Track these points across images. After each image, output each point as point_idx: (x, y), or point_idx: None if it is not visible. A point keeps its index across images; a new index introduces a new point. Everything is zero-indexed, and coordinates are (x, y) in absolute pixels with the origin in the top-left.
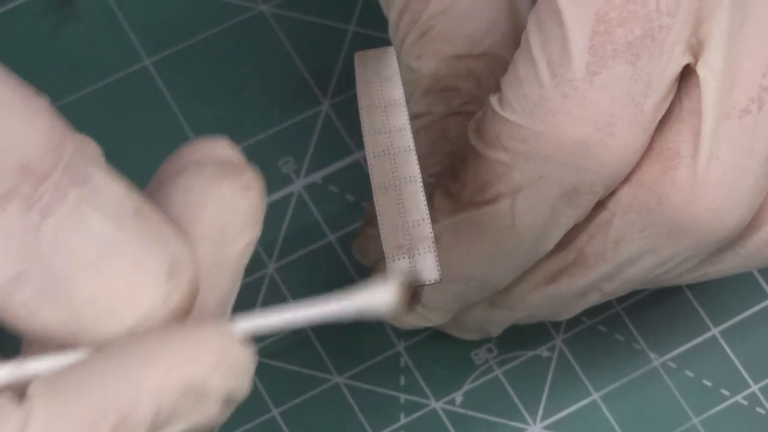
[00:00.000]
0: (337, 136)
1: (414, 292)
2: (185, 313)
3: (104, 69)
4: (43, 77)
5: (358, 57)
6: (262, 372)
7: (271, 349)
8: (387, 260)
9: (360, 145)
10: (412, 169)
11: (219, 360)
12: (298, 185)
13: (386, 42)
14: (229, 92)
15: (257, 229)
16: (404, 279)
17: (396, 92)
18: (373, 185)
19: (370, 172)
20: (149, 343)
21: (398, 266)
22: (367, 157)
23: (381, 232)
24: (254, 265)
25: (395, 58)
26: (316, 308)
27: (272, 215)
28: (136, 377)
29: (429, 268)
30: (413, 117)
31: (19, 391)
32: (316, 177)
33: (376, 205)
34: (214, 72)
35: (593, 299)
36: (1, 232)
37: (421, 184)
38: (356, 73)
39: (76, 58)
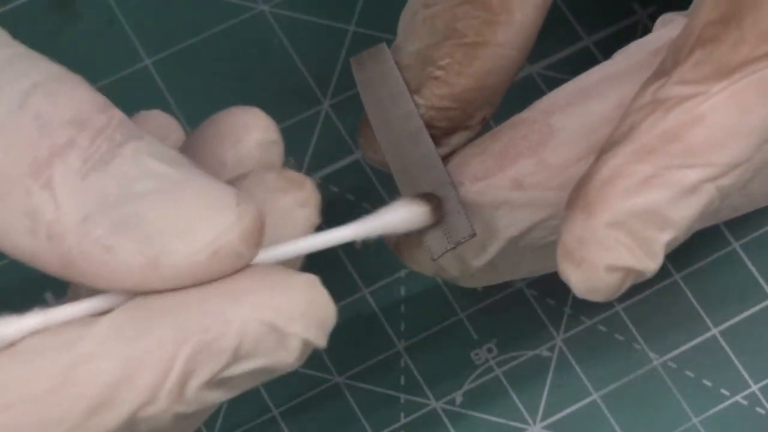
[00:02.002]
0: (337, 136)
1: (438, 212)
2: (256, 243)
3: (104, 69)
4: None
5: (354, 61)
6: None
7: None
8: (420, 234)
9: None
10: (426, 145)
11: (306, 308)
12: None
13: (386, 41)
14: (229, 92)
15: None
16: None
17: (398, 83)
18: (392, 169)
19: (387, 160)
20: (242, 280)
21: (432, 236)
22: (382, 147)
23: None
24: None
25: (389, 53)
26: (350, 229)
27: None
28: (226, 309)
29: (461, 227)
30: (424, 6)
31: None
32: (316, 177)
33: (398, 184)
34: (214, 72)
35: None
36: (67, 178)
37: (437, 155)
38: (355, 76)
39: (76, 58)
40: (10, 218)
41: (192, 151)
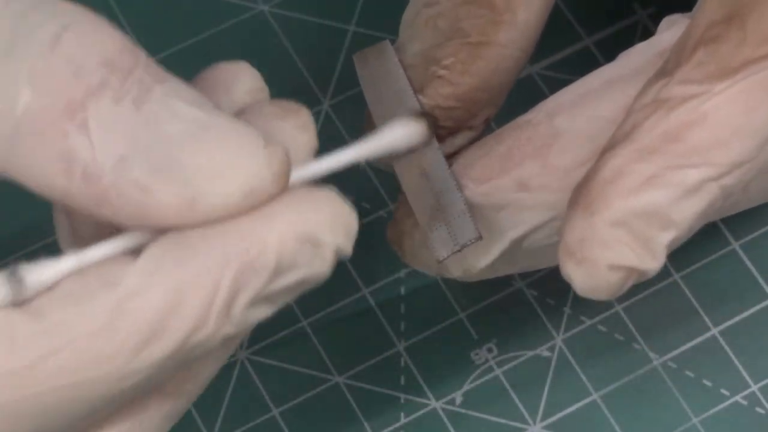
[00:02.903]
0: (337, 136)
1: (433, 127)
2: (285, 182)
3: None
4: None
5: (357, 57)
6: (262, 372)
7: (271, 349)
8: (426, 234)
9: None
10: (431, 144)
11: (334, 218)
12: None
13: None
14: None
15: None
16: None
17: (401, 81)
18: (395, 169)
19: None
20: (272, 204)
21: (437, 238)
22: None
23: (414, 209)
24: None
25: (392, 50)
26: (353, 150)
27: None
28: (262, 228)
29: (466, 229)
30: (426, 5)
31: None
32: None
33: (403, 187)
34: None
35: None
36: (101, 119)
37: (442, 155)
38: (358, 72)
39: None
40: (46, 159)
41: None
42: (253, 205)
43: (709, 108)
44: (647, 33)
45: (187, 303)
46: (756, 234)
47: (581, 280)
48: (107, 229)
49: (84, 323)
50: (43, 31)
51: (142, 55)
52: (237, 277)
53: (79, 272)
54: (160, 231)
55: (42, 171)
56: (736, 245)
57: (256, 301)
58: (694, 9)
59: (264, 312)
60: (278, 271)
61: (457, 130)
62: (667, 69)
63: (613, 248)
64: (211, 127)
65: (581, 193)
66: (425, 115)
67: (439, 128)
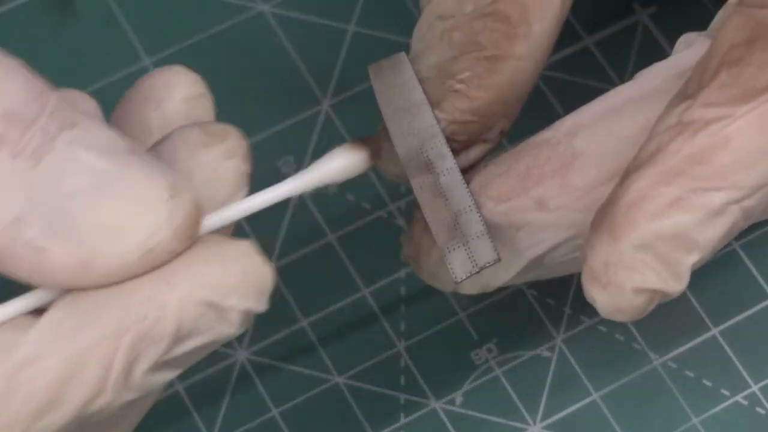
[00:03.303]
0: (337, 136)
1: (376, 147)
2: (190, 237)
3: (104, 69)
4: (43, 77)
5: (372, 69)
6: (261, 372)
7: (271, 349)
8: (443, 254)
9: None
10: (447, 161)
11: (243, 278)
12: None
13: (386, 41)
14: (229, 92)
15: (245, 193)
16: (364, 144)
17: (417, 94)
18: (413, 186)
19: (407, 174)
20: (175, 264)
21: (455, 258)
22: (402, 161)
23: (431, 228)
24: None
25: (408, 62)
26: (288, 184)
27: (272, 215)
28: (160, 293)
29: (485, 251)
30: (440, 19)
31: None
32: None
33: (420, 205)
34: (214, 72)
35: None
36: None
37: (460, 173)
38: (374, 85)
39: (75, 58)
40: None
41: (119, 119)
42: (154, 264)
43: (732, 131)
44: (647, 33)
45: (84, 372)
46: (756, 234)
47: (606, 304)
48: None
49: None
50: None
51: (51, 99)
52: (134, 346)
53: None
54: (64, 290)
55: None
56: (736, 245)
57: (157, 366)
58: (711, 26)
59: (168, 376)
60: (178, 338)
61: (472, 143)
62: (689, 91)
63: (639, 272)
64: (116, 178)
65: (605, 216)
66: (367, 142)
67: (454, 142)
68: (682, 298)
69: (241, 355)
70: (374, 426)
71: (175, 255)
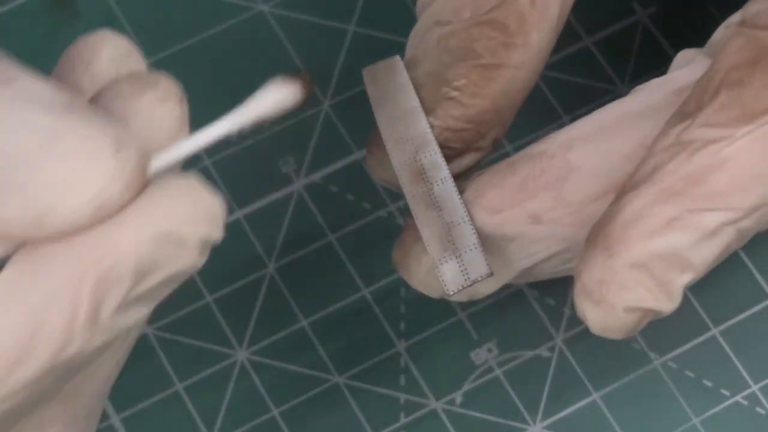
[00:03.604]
0: (337, 136)
1: (307, 82)
2: (139, 188)
3: None
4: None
5: (367, 73)
6: (261, 372)
7: (271, 349)
8: (434, 265)
9: (360, 145)
10: (441, 170)
11: (192, 209)
12: (298, 185)
13: (386, 41)
14: (229, 92)
15: (185, 136)
16: (299, 80)
17: (411, 99)
18: (405, 194)
19: (400, 181)
20: (124, 208)
21: (447, 270)
22: (395, 168)
23: (423, 238)
24: (254, 265)
25: (403, 66)
26: (226, 122)
27: (272, 215)
28: (114, 235)
29: (478, 265)
30: (437, 24)
31: None
32: (316, 177)
33: (413, 213)
34: (214, 72)
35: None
36: None
37: (454, 184)
38: (368, 88)
39: None
40: None
41: None
42: (105, 216)
43: (730, 152)
44: (647, 33)
45: (48, 322)
46: (756, 234)
47: (597, 321)
48: None
49: None
50: None
51: None
52: (96, 289)
53: None
54: (19, 244)
55: None
56: None
57: (126, 305)
58: (710, 42)
59: (139, 313)
60: (140, 273)
61: (465, 151)
62: (688, 110)
63: (632, 290)
64: (59, 135)
65: (600, 234)
66: (299, 75)
67: (448, 149)
68: (682, 298)
69: (241, 355)
70: (374, 426)
71: (126, 204)
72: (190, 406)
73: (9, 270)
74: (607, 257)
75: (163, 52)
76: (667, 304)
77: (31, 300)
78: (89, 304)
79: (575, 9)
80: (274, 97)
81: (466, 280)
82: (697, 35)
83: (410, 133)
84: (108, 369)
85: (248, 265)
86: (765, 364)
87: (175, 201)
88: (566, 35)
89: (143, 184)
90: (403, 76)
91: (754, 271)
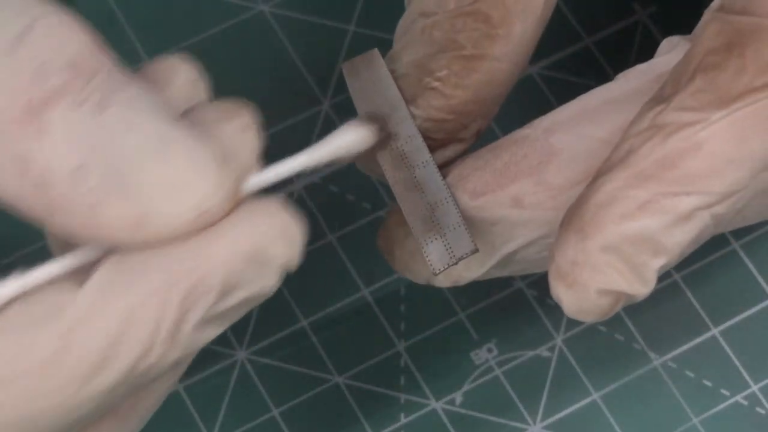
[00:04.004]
0: None
1: (385, 130)
2: (237, 200)
3: None
4: None
5: (346, 67)
6: (262, 372)
7: (271, 349)
8: (420, 246)
9: None
10: (423, 154)
11: (280, 231)
12: (298, 185)
13: (386, 41)
14: (229, 92)
15: (260, 164)
16: (374, 121)
17: (392, 90)
18: (388, 179)
19: (383, 168)
20: (220, 221)
21: (433, 250)
22: (377, 156)
23: (408, 220)
24: None
25: (381, 58)
26: (305, 156)
27: None
28: (208, 248)
29: (463, 242)
30: (422, 15)
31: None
32: (316, 177)
33: (396, 197)
34: (214, 72)
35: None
36: (60, 125)
37: (436, 166)
38: (348, 83)
39: None
40: (0, 162)
41: None
42: (203, 225)
43: (705, 136)
44: (647, 33)
45: (135, 329)
46: (756, 234)
47: (570, 303)
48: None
49: (29, 355)
50: (9, 28)
51: (107, 59)
52: (185, 299)
53: (24, 298)
54: (109, 249)
55: None
56: (736, 245)
57: (205, 322)
58: (695, 31)
59: (214, 332)
60: (225, 290)
61: (448, 142)
62: (664, 94)
63: (604, 273)
64: (169, 142)
65: (574, 216)
66: (377, 119)
67: (430, 140)
68: (682, 298)
69: (241, 355)
70: (374, 426)
71: (222, 218)
72: (190, 406)
73: (102, 273)
74: (580, 239)
75: (163, 52)
76: (639, 287)
77: (121, 305)
78: (176, 314)
79: (575, 9)
80: (354, 137)
81: (451, 258)
82: None
83: (392, 121)
84: (161, 391)
85: None
86: (765, 364)
87: (268, 221)
88: (566, 35)
89: (239, 200)
90: (383, 69)
91: (754, 271)
